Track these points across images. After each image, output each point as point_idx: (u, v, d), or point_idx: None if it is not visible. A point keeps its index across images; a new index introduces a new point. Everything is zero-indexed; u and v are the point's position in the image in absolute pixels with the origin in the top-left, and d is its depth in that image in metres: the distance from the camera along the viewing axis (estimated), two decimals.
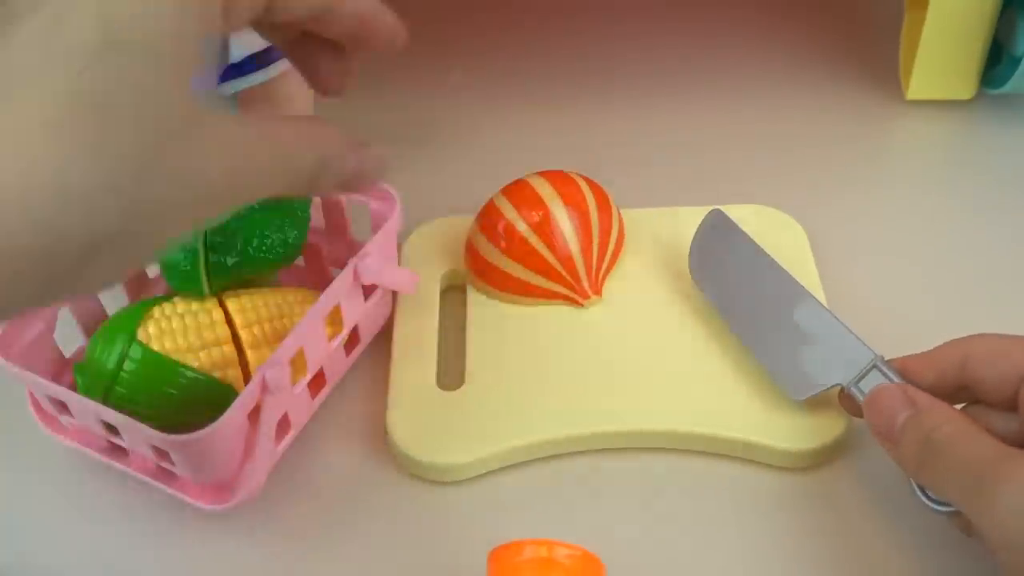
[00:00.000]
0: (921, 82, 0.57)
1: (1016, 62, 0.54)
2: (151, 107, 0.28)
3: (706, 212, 0.49)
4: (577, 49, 0.64)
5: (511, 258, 0.47)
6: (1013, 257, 0.52)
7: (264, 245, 0.44)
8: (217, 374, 0.42)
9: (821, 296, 0.47)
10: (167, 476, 0.42)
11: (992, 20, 0.54)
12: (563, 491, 0.43)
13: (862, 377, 0.41)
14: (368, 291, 0.45)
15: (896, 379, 0.40)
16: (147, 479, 0.42)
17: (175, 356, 0.41)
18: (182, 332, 0.42)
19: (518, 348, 0.46)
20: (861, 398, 0.40)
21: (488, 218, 0.48)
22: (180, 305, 0.43)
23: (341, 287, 0.43)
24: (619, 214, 0.49)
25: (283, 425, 0.43)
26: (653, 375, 0.45)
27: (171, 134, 0.28)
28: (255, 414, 0.40)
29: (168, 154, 0.28)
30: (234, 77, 0.47)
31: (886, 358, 0.41)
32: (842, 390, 0.42)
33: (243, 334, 0.43)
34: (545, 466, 0.44)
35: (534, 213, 0.47)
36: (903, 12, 0.59)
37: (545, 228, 0.47)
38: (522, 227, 0.47)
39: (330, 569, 0.41)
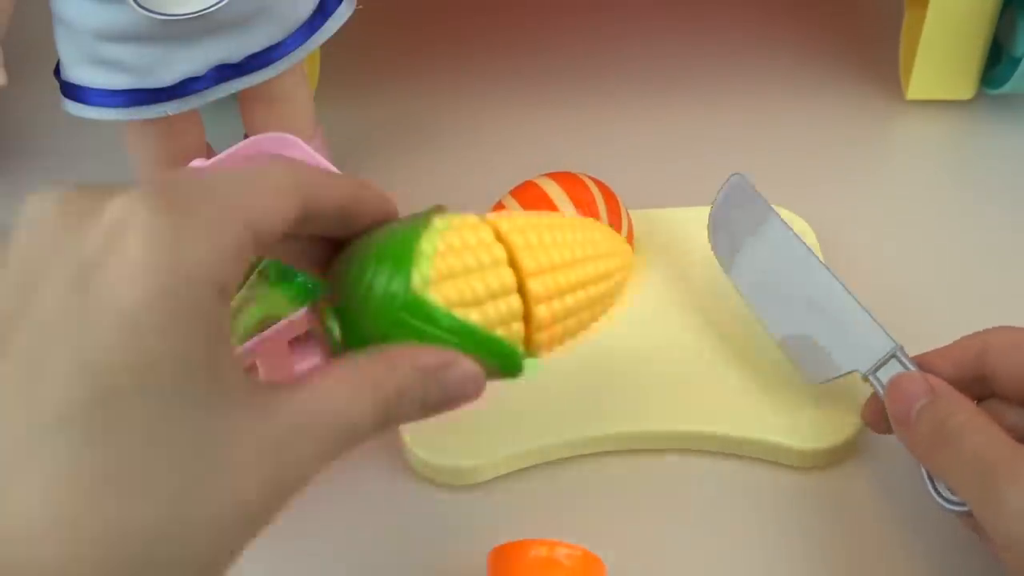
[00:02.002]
0: (921, 82, 0.57)
1: (1016, 62, 0.54)
2: (170, 458, 0.25)
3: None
4: (578, 49, 0.64)
5: None
6: (1014, 256, 0.52)
7: None
8: (500, 331, 0.33)
9: None
10: None
11: (992, 20, 0.54)
12: (564, 491, 0.43)
13: (880, 366, 0.40)
14: None
15: (914, 369, 0.40)
16: None
17: (459, 310, 0.32)
18: (465, 275, 0.32)
19: None
20: (879, 387, 0.40)
21: None
22: (454, 235, 0.33)
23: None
24: (627, 215, 0.49)
25: None
26: (664, 375, 0.45)
27: (197, 480, 0.25)
28: None
29: (200, 507, 0.25)
30: (234, 77, 0.47)
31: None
32: (865, 380, 0.41)
33: (532, 284, 0.33)
34: (547, 466, 0.44)
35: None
36: (903, 12, 0.59)
37: None
38: None
39: (333, 567, 0.41)
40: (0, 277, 0.26)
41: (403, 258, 0.31)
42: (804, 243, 0.44)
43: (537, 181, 0.49)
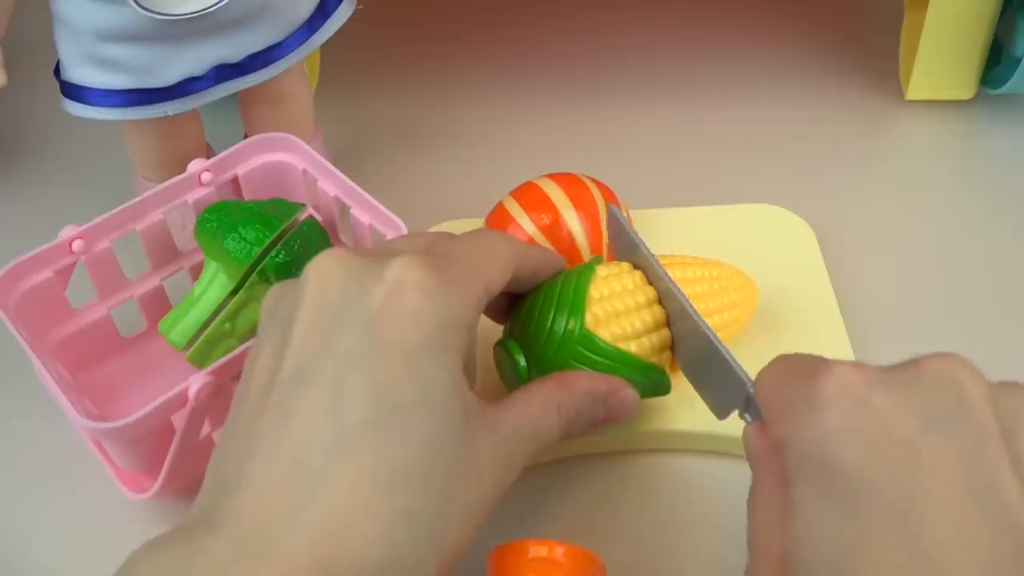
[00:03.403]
0: (921, 82, 0.57)
1: (1016, 62, 0.54)
2: (439, 460, 0.31)
3: (713, 211, 0.49)
4: (578, 49, 0.65)
5: None
6: (1013, 256, 0.52)
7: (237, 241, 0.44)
8: (653, 359, 0.40)
9: (831, 295, 0.47)
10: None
11: (992, 20, 0.54)
12: (564, 491, 0.43)
13: (748, 407, 0.36)
14: None
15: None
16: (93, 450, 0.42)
17: (622, 343, 0.39)
18: (626, 314, 0.40)
19: None
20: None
21: (497, 221, 0.48)
22: (614, 281, 0.40)
23: None
24: (628, 214, 0.49)
25: None
26: None
27: (455, 477, 0.32)
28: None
29: (457, 495, 0.32)
30: (234, 77, 0.47)
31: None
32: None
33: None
34: (547, 465, 0.44)
35: (543, 216, 0.47)
36: (903, 12, 0.59)
37: (554, 230, 0.47)
38: (531, 229, 0.47)
39: None
40: (303, 320, 0.33)
41: (577, 304, 0.39)
42: (672, 283, 0.40)
43: (537, 182, 0.49)
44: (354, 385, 0.31)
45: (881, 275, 0.50)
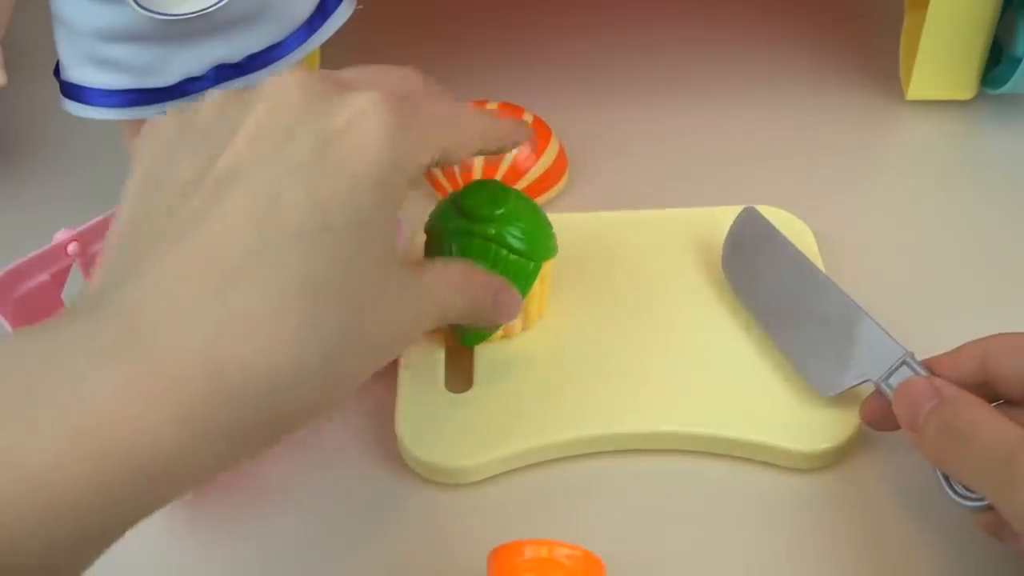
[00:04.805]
0: (921, 82, 0.57)
1: (1016, 62, 0.54)
2: (356, 286, 0.32)
3: (713, 212, 0.49)
4: (578, 50, 0.64)
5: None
6: (1014, 256, 0.52)
7: None
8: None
9: None
10: None
11: (992, 20, 0.54)
12: (564, 491, 0.43)
13: (891, 373, 0.41)
14: None
15: (924, 374, 0.40)
16: None
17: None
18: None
19: (527, 350, 0.46)
20: (889, 393, 0.40)
21: None
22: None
23: None
24: (560, 148, 0.53)
25: None
26: (664, 377, 0.45)
27: (366, 308, 0.32)
28: None
29: (363, 326, 0.32)
30: (234, 77, 0.47)
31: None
32: (875, 389, 0.42)
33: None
34: (546, 466, 0.44)
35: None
36: (903, 12, 0.59)
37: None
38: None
39: (332, 568, 0.41)
40: (248, 131, 0.32)
41: (539, 228, 0.44)
42: (812, 263, 0.45)
43: (487, 104, 0.53)
44: (293, 194, 0.30)
45: (880, 275, 0.50)
